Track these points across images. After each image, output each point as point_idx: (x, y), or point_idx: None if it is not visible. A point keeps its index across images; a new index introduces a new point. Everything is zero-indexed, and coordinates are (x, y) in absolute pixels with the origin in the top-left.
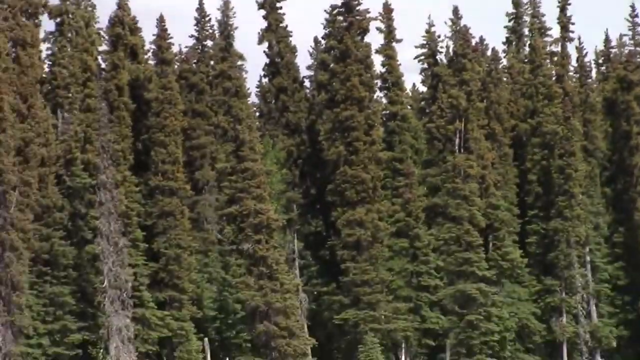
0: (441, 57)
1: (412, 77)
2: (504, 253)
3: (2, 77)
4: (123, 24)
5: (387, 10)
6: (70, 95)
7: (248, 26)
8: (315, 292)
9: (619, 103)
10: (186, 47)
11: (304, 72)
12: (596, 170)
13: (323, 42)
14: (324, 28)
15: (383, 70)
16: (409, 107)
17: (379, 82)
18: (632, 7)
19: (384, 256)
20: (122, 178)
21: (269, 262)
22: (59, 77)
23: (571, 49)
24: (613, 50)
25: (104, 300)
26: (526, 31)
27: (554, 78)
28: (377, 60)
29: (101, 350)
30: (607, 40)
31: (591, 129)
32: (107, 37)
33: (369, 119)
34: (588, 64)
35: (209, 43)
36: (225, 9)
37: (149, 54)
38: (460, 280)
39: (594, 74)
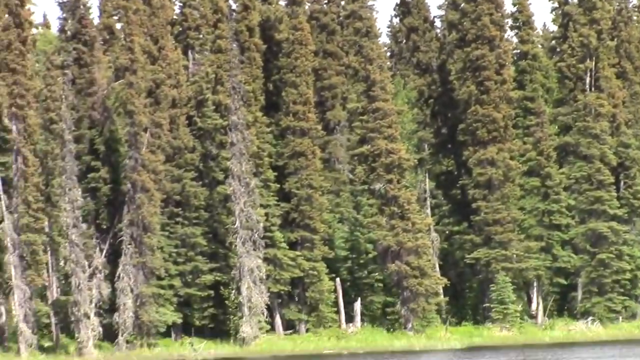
0: None
1: (543, 17)
2: (635, 191)
3: (133, 19)
4: None
5: None
6: (201, 36)
7: None
8: (447, 232)
9: None
10: None
11: (434, 11)
12: None
13: None
14: None
15: (514, 9)
16: (539, 46)
17: (509, 22)
18: None
19: (515, 195)
20: (253, 119)
21: (400, 201)
22: (190, 19)
23: None
24: None
25: (236, 241)
26: None
27: None
28: None
29: (233, 291)
30: None
31: None
32: None
33: (499, 58)
34: None
35: None
36: None
37: None
38: (592, 218)
39: None
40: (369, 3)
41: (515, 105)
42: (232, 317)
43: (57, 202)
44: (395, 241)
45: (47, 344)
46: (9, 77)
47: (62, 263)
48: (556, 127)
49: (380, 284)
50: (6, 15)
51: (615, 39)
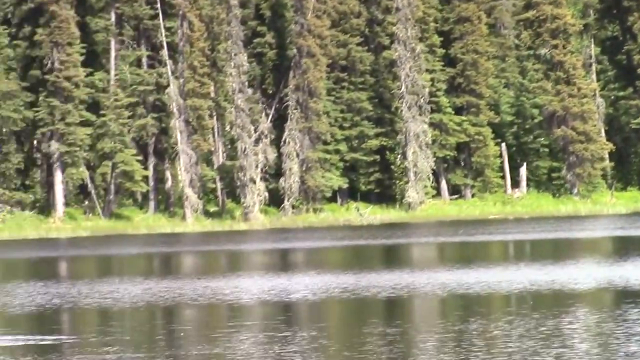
0: None
1: None
2: None
3: None
4: None
5: None
6: None
7: None
8: (612, 97)
9: None
10: None
11: None
12: None
13: None
14: None
15: None
16: None
17: None
18: None
19: None
20: None
21: (566, 66)
22: None
23: None
24: None
25: (402, 105)
26: None
27: None
28: None
29: (399, 156)
30: None
31: None
32: None
33: None
34: None
35: None
36: None
37: None
38: None
39: None
40: None
41: None
42: (397, 182)
43: (222, 67)
44: (560, 106)
45: (212, 209)
46: None
47: (228, 128)
48: None
49: (546, 149)
50: None
51: None
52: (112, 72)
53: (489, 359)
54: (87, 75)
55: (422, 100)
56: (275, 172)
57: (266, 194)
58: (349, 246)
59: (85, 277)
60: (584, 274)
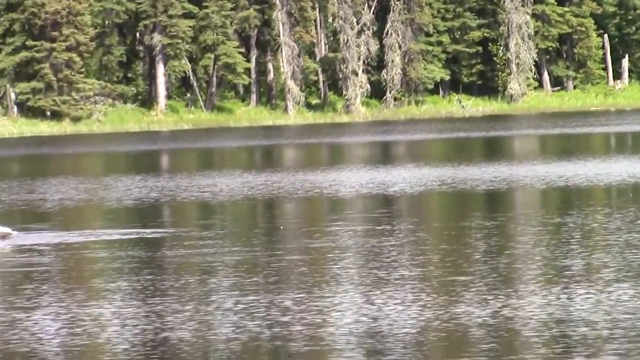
0: None
1: None
2: None
3: None
4: None
5: None
6: None
7: None
8: None
9: None
10: None
11: None
12: None
13: None
14: None
15: None
16: None
17: None
18: None
19: None
20: None
21: None
22: None
23: None
24: None
25: None
26: None
27: None
28: None
29: (501, 48)
30: None
31: None
32: None
33: None
34: None
35: None
36: None
37: None
38: None
39: None
40: None
41: None
42: (500, 73)
43: None
44: None
45: (314, 101)
46: None
47: (330, 20)
48: None
49: None
50: None
51: None
52: None
53: (586, 252)
54: None
55: None
56: (377, 64)
57: (368, 86)
58: (449, 138)
59: (185, 171)
60: None
